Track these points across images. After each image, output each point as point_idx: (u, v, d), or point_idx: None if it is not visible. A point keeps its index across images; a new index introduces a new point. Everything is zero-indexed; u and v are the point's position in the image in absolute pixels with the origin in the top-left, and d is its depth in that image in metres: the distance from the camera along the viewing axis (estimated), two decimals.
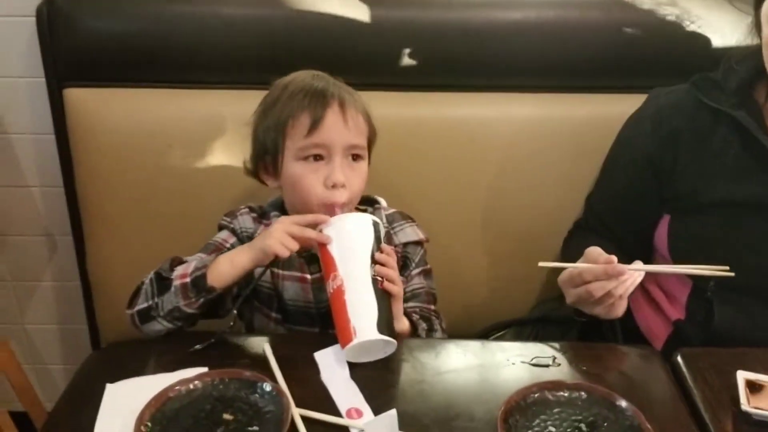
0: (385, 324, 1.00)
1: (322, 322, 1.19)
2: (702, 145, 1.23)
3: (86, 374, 1.02)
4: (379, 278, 1.01)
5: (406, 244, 1.24)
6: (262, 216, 1.23)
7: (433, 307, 1.24)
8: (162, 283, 1.08)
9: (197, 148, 1.43)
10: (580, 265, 1.09)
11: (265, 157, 1.18)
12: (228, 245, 1.20)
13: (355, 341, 0.98)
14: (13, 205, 1.68)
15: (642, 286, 1.37)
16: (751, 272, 1.17)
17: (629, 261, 1.15)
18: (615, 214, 1.34)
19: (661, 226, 1.28)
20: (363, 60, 1.44)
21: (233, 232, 1.21)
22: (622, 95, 1.45)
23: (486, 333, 1.46)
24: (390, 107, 1.47)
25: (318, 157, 1.14)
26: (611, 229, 1.34)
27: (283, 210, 1.22)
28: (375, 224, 1.05)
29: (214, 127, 1.42)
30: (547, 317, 1.49)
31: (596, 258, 1.07)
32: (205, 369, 0.98)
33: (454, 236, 1.52)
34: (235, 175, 1.34)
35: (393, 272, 1.04)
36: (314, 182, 1.13)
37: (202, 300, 1.06)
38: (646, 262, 1.34)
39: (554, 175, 1.51)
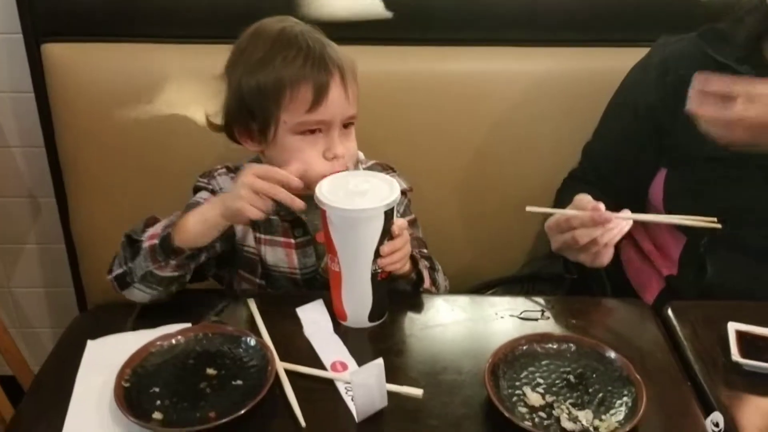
0: (378, 311, 1.00)
1: (308, 287, 1.16)
2: None
3: (72, 336, 1.01)
4: (380, 270, 0.98)
5: None
6: None
7: (425, 251, 1.22)
8: (133, 246, 1.02)
9: (179, 103, 1.39)
10: (567, 211, 1.08)
11: (251, 123, 1.10)
12: None
13: (345, 323, 1.01)
14: None
15: (634, 241, 1.36)
16: (746, 228, 1.16)
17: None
18: (611, 163, 1.31)
19: (657, 180, 1.26)
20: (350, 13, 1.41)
21: (212, 192, 1.16)
22: (618, 49, 1.42)
23: (475, 291, 1.44)
24: (380, 62, 1.44)
25: (316, 130, 1.08)
26: (606, 178, 1.31)
27: None
28: (387, 214, 0.95)
29: (196, 82, 1.38)
30: (538, 275, 1.47)
31: (585, 205, 1.06)
32: (188, 325, 0.97)
33: (444, 193, 1.50)
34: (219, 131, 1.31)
35: (401, 254, 0.99)
36: (314, 155, 1.08)
37: (174, 262, 1.00)
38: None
39: (547, 131, 1.48)
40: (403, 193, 1.22)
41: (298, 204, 0.96)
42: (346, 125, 1.11)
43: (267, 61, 1.07)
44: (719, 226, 1.04)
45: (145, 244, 1.01)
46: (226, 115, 1.13)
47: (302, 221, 1.14)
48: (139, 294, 1.03)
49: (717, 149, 1.18)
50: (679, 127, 1.22)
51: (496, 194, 1.51)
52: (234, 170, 1.19)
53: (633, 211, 1.17)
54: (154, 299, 1.04)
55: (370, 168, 1.22)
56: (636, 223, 1.36)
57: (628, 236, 1.37)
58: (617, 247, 1.38)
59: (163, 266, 1.00)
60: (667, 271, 1.27)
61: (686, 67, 1.21)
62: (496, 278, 1.48)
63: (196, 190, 1.17)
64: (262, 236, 1.15)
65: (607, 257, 1.09)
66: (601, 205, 1.04)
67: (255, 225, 1.15)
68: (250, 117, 1.10)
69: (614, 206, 1.17)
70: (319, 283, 1.15)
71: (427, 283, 1.11)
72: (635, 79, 1.30)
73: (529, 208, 1.08)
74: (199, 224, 1.00)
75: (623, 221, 1.05)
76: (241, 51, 1.11)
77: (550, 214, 1.11)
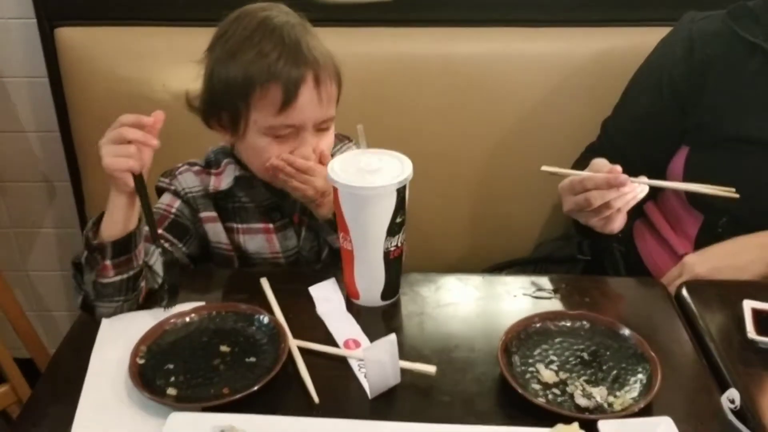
0: (391, 290, 1.00)
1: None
2: (733, 77, 1.18)
3: (88, 318, 1.01)
4: (392, 248, 0.97)
5: None
6: (210, 165, 1.14)
7: None
8: (78, 267, 0.98)
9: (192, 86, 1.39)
10: (582, 172, 1.06)
11: (221, 114, 1.07)
12: (173, 210, 1.11)
13: (358, 302, 1.01)
14: (10, 152, 1.66)
15: (648, 221, 1.34)
16: (766, 212, 1.14)
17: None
18: (630, 139, 1.29)
19: (678, 158, 1.24)
20: None
21: (176, 194, 1.12)
22: (635, 28, 1.41)
23: (488, 273, 1.44)
24: (390, 44, 1.43)
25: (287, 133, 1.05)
26: (624, 154, 1.28)
27: (235, 155, 1.13)
28: (399, 192, 0.93)
29: None
30: (550, 257, 1.47)
31: (601, 168, 1.05)
32: (202, 303, 0.97)
33: (456, 175, 1.50)
34: None
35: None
36: (278, 155, 1.04)
37: (108, 262, 0.93)
38: (655, 195, 1.32)
39: (561, 112, 1.47)
40: None
41: (151, 142, 0.90)
42: (320, 128, 1.06)
43: (241, 52, 1.02)
44: (737, 196, 1.02)
45: (81, 258, 0.96)
46: (201, 100, 1.09)
47: (278, 204, 1.12)
48: (106, 310, 0.97)
49: (740, 130, 1.16)
50: (703, 107, 1.20)
51: (509, 176, 1.51)
52: (199, 163, 1.14)
53: (650, 190, 1.16)
54: (126, 309, 0.98)
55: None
56: (651, 202, 1.35)
57: (643, 216, 1.36)
58: (631, 227, 1.37)
59: (103, 271, 0.94)
60: (682, 250, 1.25)
61: (713, 47, 1.19)
62: (509, 260, 1.48)
63: (159, 192, 1.13)
64: (240, 226, 1.13)
65: (618, 223, 1.07)
66: (618, 168, 1.02)
67: (230, 216, 1.13)
68: (220, 107, 1.07)
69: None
70: (302, 265, 1.15)
71: None
72: (660, 55, 1.28)
73: (544, 168, 1.06)
74: (107, 212, 0.95)
75: (638, 186, 1.03)
76: (219, 36, 1.07)
77: (565, 176, 1.09)
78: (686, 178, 1.22)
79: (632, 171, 1.26)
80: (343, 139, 1.21)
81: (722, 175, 1.17)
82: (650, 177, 1.26)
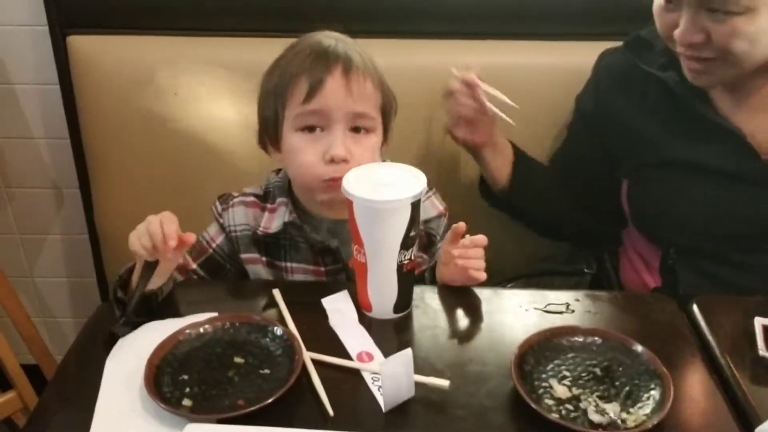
0: (403, 303, 1.01)
1: None
2: (636, 109, 1.20)
3: (95, 326, 1.02)
4: (406, 261, 0.97)
5: (427, 221, 1.15)
6: (266, 198, 1.13)
7: None
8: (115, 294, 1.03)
9: (203, 96, 1.40)
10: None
11: (268, 127, 1.08)
12: (214, 245, 1.13)
13: (370, 314, 1.01)
14: (19, 158, 1.66)
15: (626, 253, 1.36)
16: (704, 236, 1.16)
17: (598, 222, 1.22)
18: (573, 176, 1.33)
19: (623, 191, 1.27)
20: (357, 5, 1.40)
21: (222, 228, 1.13)
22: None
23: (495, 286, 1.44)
24: (386, 56, 1.43)
25: (318, 128, 1.04)
26: (572, 190, 1.33)
27: (291, 192, 1.12)
28: (414, 205, 0.94)
29: (220, 75, 1.39)
30: (556, 271, 1.47)
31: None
32: (215, 314, 0.98)
33: (459, 188, 1.49)
34: (242, 124, 1.32)
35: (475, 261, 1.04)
36: (313, 156, 1.03)
37: (132, 309, 0.97)
38: (627, 224, 1.32)
39: (552, 124, 1.46)
40: (441, 215, 1.18)
41: (160, 256, 0.96)
42: (357, 129, 1.05)
43: (280, 61, 1.06)
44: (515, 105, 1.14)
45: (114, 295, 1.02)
46: (258, 126, 1.12)
47: (331, 249, 1.10)
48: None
49: (659, 158, 1.18)
50: (620, 141, 1.24)
51: None
52: (257, 194, 1.14)
53: (615, 224, 1.23)
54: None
55: None
56: (626, 229, 1.34)
57: (622, 244, 1.37)
58: (617, 250, 1.38)
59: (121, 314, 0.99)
60: (652, 282, 1.26)
61: (614, 83, 1.24)
62: (517, 274, 1.48)
63: (216, 216, 1.14)
64: (289, 264, 1.12)
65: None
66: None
67: (280, 253, 1.12)
68: (265, 120, 1.08)
69: (589, 214, 1.19)
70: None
71: None
72: (580, 94, 1.32)
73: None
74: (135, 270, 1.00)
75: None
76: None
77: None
78: (630, 210, 1.26)
79: (584, 204, 1.31)
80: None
81: (655, 203, 1.20)
82: (608, 209, 1.30)
